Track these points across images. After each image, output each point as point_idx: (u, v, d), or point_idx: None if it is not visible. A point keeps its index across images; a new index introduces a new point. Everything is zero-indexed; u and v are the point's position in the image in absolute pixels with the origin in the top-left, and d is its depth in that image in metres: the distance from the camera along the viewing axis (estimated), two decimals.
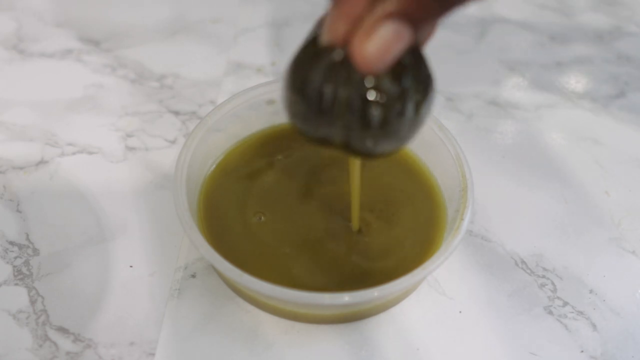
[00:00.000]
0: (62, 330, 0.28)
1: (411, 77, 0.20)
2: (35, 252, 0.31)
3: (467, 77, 0.44)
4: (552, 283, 0.32)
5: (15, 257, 0.31)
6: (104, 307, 0.29)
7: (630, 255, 0.33)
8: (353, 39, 0.18)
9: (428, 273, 0.25)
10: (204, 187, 0.32)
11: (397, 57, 0.18)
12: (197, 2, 0.49)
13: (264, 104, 0.33)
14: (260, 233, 0.30)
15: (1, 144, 0.37)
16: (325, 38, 0.19)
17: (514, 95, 0.43)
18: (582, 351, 0.29)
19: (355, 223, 0.30)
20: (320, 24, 0.20)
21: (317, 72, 0.20)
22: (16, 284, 0.30)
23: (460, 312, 0.30)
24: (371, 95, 0.19)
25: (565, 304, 0.31)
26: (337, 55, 0.19)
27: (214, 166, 0.33)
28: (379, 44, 0.18)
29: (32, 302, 0.29)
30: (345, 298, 0.24)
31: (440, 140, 0.31)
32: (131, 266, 0.31)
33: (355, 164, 0.27)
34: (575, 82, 0.45)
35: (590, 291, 0.32)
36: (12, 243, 0.32)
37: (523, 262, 0.33)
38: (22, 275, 0.30)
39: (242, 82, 0.42)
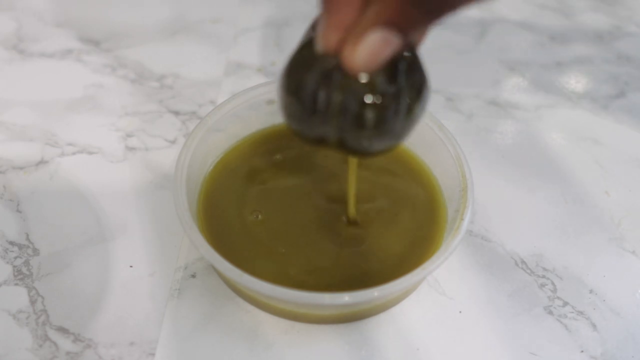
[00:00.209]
0: (62, 330, 0.28)
1: (404, 78, 0.20)
2: (35, 252, 0.31)
3: (467, 77, 0.44)
4: (552, 283, 0.32)
5: (15, 257, 0.31)
6: (104, 307, 0.29)
7: (630, 255, 0.33)
8: (344, 48, 0.19)
9: (428, 273, 0.25)
10: (203, 186, 0.32)
11: (386, 60, 0.19)
12: (197, 2, 0.49)
13: (264, 104, 0.33)
14: (257, 231, 0.30)
15: (1, 144, 0.37)
16: (319, 46, 0.20)
17: (514, 95, 0.43)
18: (582, 351, 0.29)
19: (352, 211, 0.30)
20: (313, 27, 0.21)
21: (312, 75, 0.20)
22: (16, 284, 0.30)
23: (460, 312, 0.30)
24: (365, 98, 0.20)
25: (565, 304, 0.31)
26: (331, 61, 0.20)
27: (214, 166, 0.33)
28: (367, 51, 0.19)
29: (32, 302, 0.29)
30: (345, 298, 0.24)
31: (440, 140, 0.31)
32: (131, 266, 0.31)
33: (353, 161, 0.27)
34: (575, 82, 0.45)
35: (590, 291, 0.32)
36: (12, 243, 0.32)
37: (523, 262, 0.33)
38: (22, 275, 0.30)
39: (242, 82, 0.42)
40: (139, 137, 0.38)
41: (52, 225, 0.32)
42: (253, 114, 0.33)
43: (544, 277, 0.32)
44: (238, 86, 0.42)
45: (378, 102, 0.20)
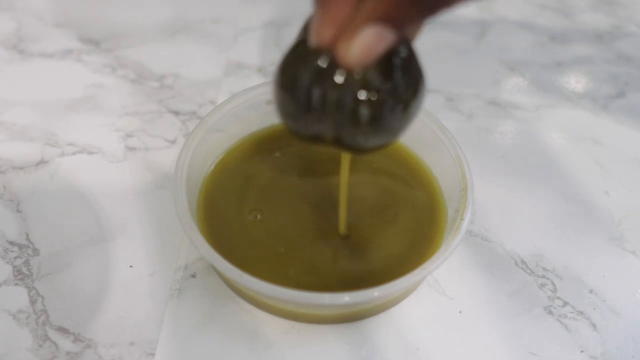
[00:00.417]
0: (62, 330, 0.28)
1: (400, 74, 0.20)
2: (35, 252, 0.31)
3: (467, 77, 0.44)
4: (552, 283, 0.32)
5: (15, 257, 0.31)
6: (104, 307, 0.29)
7: (630, 255, 0.33)
8: (338, 43, 0.19)
9: (428, 273, 0.25)
10: (203, 186, 0.32)
11: (380, 56, 0.19)
12: (197, 2, 0.49)
13: (264, 104, 0.33)
14: (257, 231, 0.30)
15: (1, 144, 0.37)
16: (313, 41, 0.20)
17: (514, 95, 0.43)
18: (582, 351, 0.29)
19: (342, 226, 0.30)
20: (306, 28, 0.21)
21: (306, 72, 0.20)
22: (16, 284, 0.30)
23: (460, 312, 0.30)
24: (359, 94, 0.20)
25: (565, 304, 0.31)
26: (325, 57, 0.20)
27: (214, 166, 0.33)
28: (361, 46, 0.19)
29: (32, 302, 0.29)
30: (345, 298, 0.24)
31: (440, 140, 0.31)
32: (131, 266, 0.31)
33: (345, 165, 0.27)
34: (575, 82, 0.45)
35: (590, 291, 0.32)
36: (12, 243, 0.32)
37: (523, 262, 0.33)
38: (22, 275, 0.30)
39: (242, 82, 0.42)
40: (139, 137, 0.38)
41: (52, 225, 0.32)
42: (253, 114, 0.33)
43: (544, 277, 0.32)
44: (238, 86, 0.42)
45: (373, 98, 0.20)
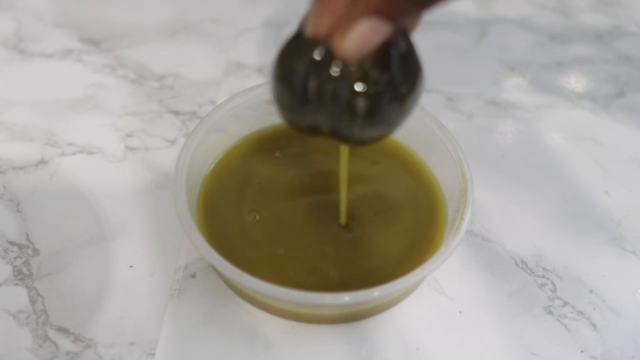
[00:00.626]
0: (62, 330, 0.28)
1: (397, 66, 0.20)
2: (35, 252, 0.31)
3: (467, 77, 0.44)
4: (552, 283, 0.32)
5: (15, 257, 0.31)
6: (104, 307, 0.29)
7: (630, 255, 0.33)
8: (334, 34, 0.19)
9: (428, 273, 0.25)
10: (203, 186, 0.32)
11: (376, 47, 0.19)
12: (197, 2, 0.49)
13: (264, 104, 0.33)
14: (257, 231, 0.30)
15: (1, 144, 0.37)
16: (309, 31, 0.20)
17: (514, 95, 0.43)
18: (582, 351, 0.29)
19: (342, 218, 0.30)
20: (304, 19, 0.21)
21: (302, 64, 0.20)
22: (16, 284, 0.30)
23: (460, 312, 0.30)
24: (356, 86, 0.20)
25: (565, 304, 0.31)
26: (321, 48, 0.20)
27: (214, 166, 0.33)
28: (356, 38, 0.19)
29: (32, 302, 0.29)
30: (345, 298, 0.24)
31: (440, 140, 0.31)
32: (131, 266, 0.31)
33: (344, 156, 0.27)
34: (575, 82, 0.45)
35: (590, 291, 0.32)
36: (12, 243, 0.32)
37: (523, 262, 0.33)
38: (22, 275, 0.30)
39: (242, 82, 0.42)
40: (139, 137, 0.38)
41: (52, 225, 0.32)
42: (253, 114, 0.33)
43: (544, 277, 0.32)
44: (238, 86, 0.42)
45: (370, 90, 0.20)
